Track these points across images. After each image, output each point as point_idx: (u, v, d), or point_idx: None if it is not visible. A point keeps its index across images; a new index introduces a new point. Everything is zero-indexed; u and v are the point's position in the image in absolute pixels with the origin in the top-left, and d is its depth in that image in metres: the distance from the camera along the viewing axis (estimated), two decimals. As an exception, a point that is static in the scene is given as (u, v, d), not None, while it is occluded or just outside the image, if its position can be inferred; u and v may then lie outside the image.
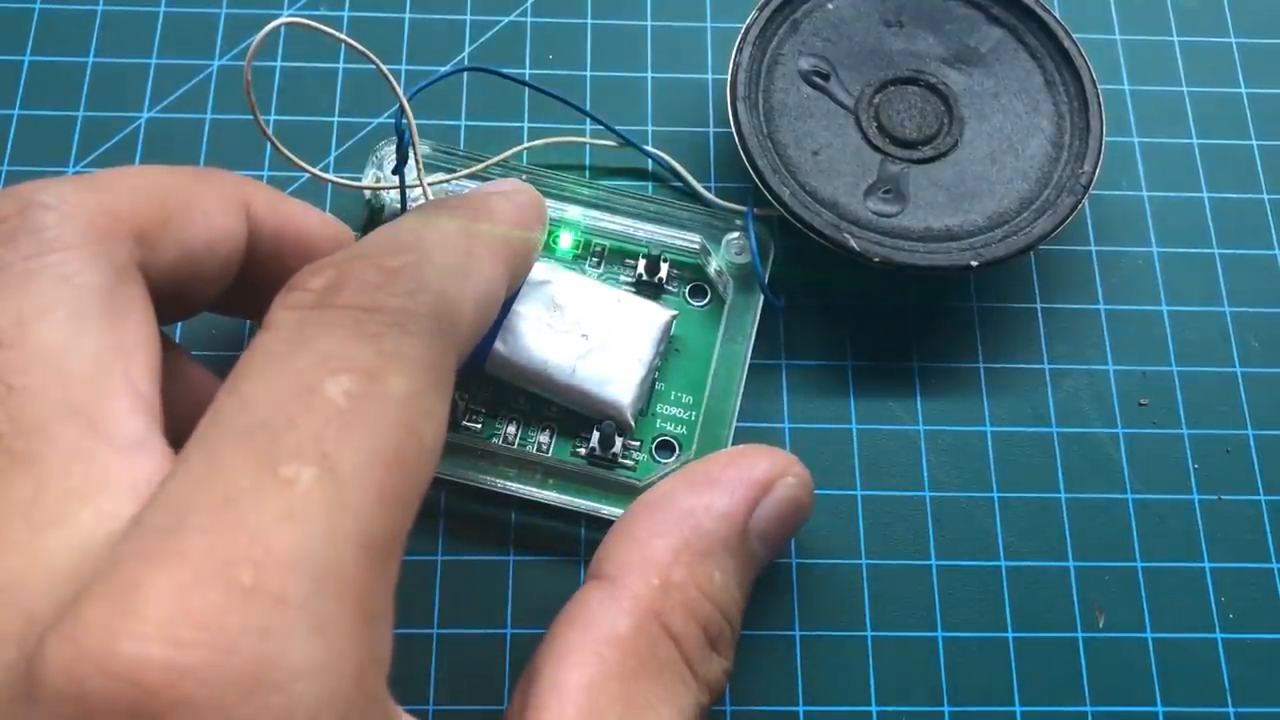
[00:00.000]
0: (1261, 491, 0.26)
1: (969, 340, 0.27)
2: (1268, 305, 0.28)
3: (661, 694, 0.19)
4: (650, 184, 0.29)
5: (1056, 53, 0.28)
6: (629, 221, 0.27)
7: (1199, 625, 0.25)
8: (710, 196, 0.28)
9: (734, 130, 0.26)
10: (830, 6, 0.28)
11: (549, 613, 0.20)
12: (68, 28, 0.30)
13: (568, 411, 0.25)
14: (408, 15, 0.30)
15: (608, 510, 0.24)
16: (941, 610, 0.25)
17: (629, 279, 0.27)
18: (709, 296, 0.27)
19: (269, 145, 0.24)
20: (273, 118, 0.29)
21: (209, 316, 0.23)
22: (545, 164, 0.28)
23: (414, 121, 0.24)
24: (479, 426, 0.25)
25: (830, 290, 0.28)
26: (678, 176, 0.28)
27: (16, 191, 0.17)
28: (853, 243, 0.25)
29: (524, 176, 0.27)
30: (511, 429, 0.25)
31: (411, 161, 0.24)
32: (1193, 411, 0.27)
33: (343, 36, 0.23)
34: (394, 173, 0.25)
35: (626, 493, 0.24)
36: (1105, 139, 0.27)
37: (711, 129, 0.29)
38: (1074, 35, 0.28)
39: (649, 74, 0.30)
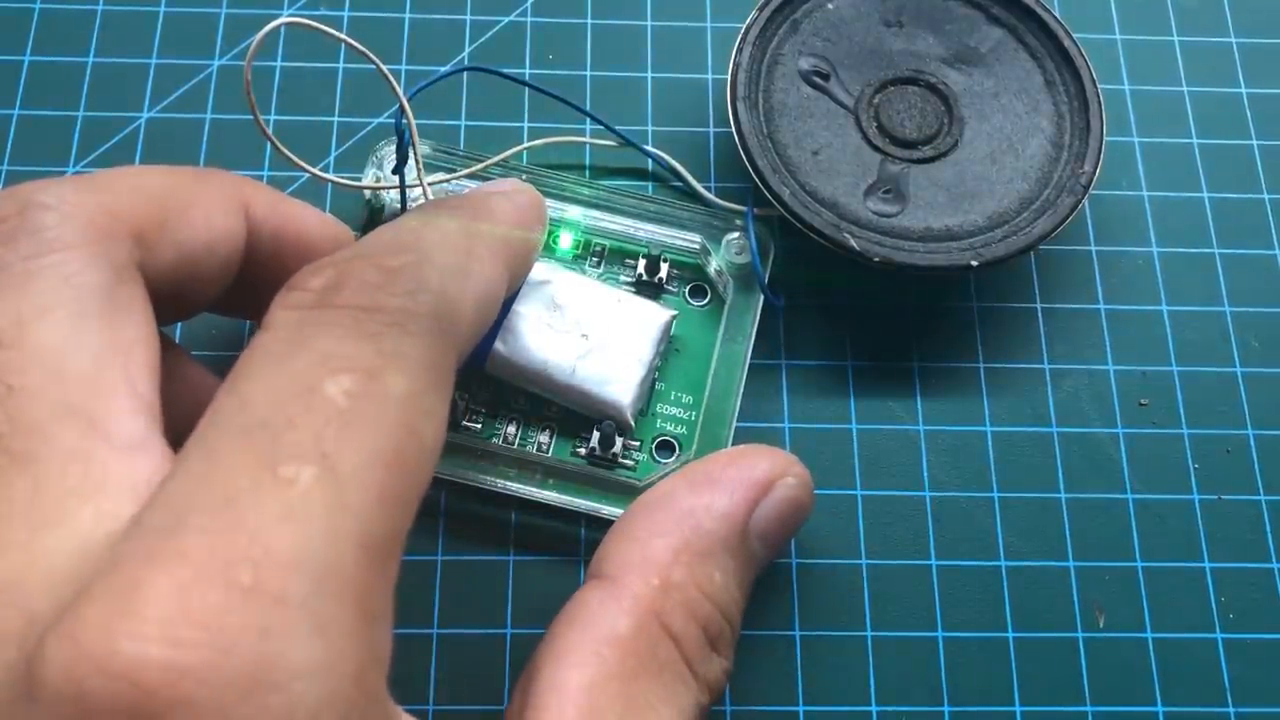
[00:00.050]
0: (1261, 491, 0.26)
1: (969, 340, 0.27)
2: (1268, 305, 0.28)
3: (661, 694, 0.19)
4: (650, 184, 0.29)
5: (1056, 53, 0.28)
6: (629, 221, 0.27)
7: (1199, 625, 0.25)
8: (710, 196, 0.28)
9: (734, 130, 0.26)
10: (830, 6, 0.28)
11: (549, 613, 0.20)
12: (68, 28, 0.30)
13: (568, 411, 0.25)
14: (408, 15, 0.30)
15: (608, 510, 0.24)
16: (941, 610, 0.25)
17: (629, 279, 0.27)
18: (709, 296, 0.27)
19: (269, 145, 0.24)
20: (273, 118, 0.29)
21: (209, 316, 0.23)
22: (545, 164, 0.28)
23: (414, 121, 0.24)
24: (479, 426, 0.25)
25: (830, 290, 0.28)
26: (678, 176, 0.28)
27: (16, 192, 0.17)
28: (853, 243, 0.25)
29: (524, 176, 0.27)
30: (511, 429, 0.25)
31: (411, 161, 0.24)
32: (1193, 411, 0.27)
33: (343, 36, 0.23)
34: (394, 173, 0.25)
35: (626, 493, 0.24)
36: (1105, 139, 0.27)
37: (711, 129, 0.29)
38: (1074, 35, 0.28)
39: (649, 74, 0.30)
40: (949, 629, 0.25)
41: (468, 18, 0.30)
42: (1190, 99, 0.30)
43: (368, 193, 0.27)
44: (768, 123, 0.27)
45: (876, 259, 0.25)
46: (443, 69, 0.29)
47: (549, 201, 0.25)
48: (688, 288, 0.27)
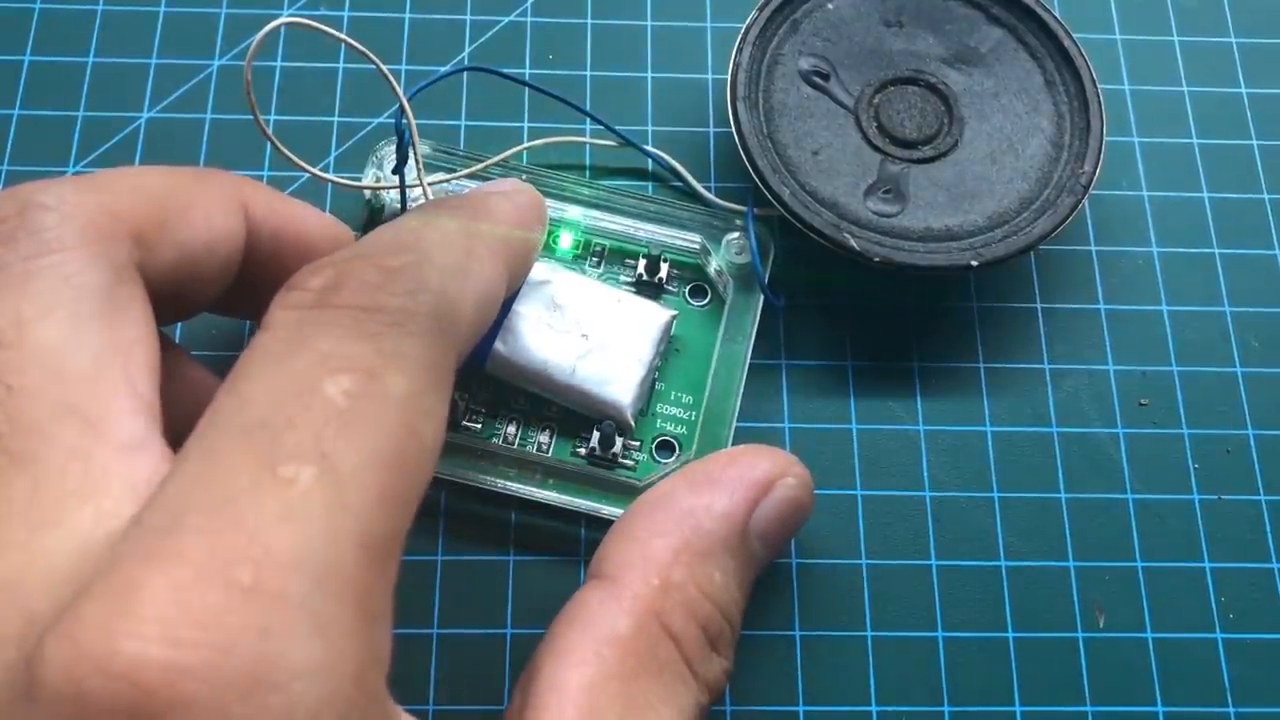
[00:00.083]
0: (1261, 491, 0.26)
1: (969, 340, 0.27)
2: (1268, 305, 0.28)
3: (661, 694, 0.19)
4: (650, 184, 0.29)
5: (1056, 53, 0.28)
6: (629, 221, 0.27)
7: (1199, 625, 0.25)
8: (710, 196, 0.28)
9: (734, 130, 0.26)
10: (830, 6, 0.28)
11: (549, 613, 0.20)
12: (68, 28, 0.30)
13: (568, 411, 0.25)
14: (408, 15, 0.30)
15: (608, 510, 0.24)
16: (941, 610, 0.25)
17: (629, 279, 0.27)
18: (709, 296, 0.27)
19: (269, 145, 0.24)
20: (273, 118, 0.29)
21: (209, 316, 0.23)
22: (545, 164, 0.28)
23: (414, 121, 0.24)
24: (479, 426, 0.25)
25: (830, 290, 0.28)
26: (678, 176, 0.28)
27: (16, 192, 0.17)
28: (853, 243, 0.25)
29: (524, 176, 0.27)
30: (511, 429, 0.25)
31: (411, 161, 0.24)
32: (1193, 411, 0.27)
33: (343, 36, 0.23)
34: (394, 173, 0.25)
35: (626, 493, 0.24)
36: (1105, 139, 0.27)
37: (711, 129, 0.29)
38: (1074, 35, 0.28)
39: (649, 74, 0.30)
40: (949, 629, 0.25)
41: (468, 18, 0.30)
42: (1190, 99, 0.30)
43: (368, 193, 0.27)
44: (768, 123, 0.27)
45: (876, 259, 0.25)
46: (443, 69, 0.29)
47: (549, 201, 0.25)
48: (688, 288, 0.27)
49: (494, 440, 0.25)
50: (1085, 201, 0.26)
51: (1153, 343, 0.28)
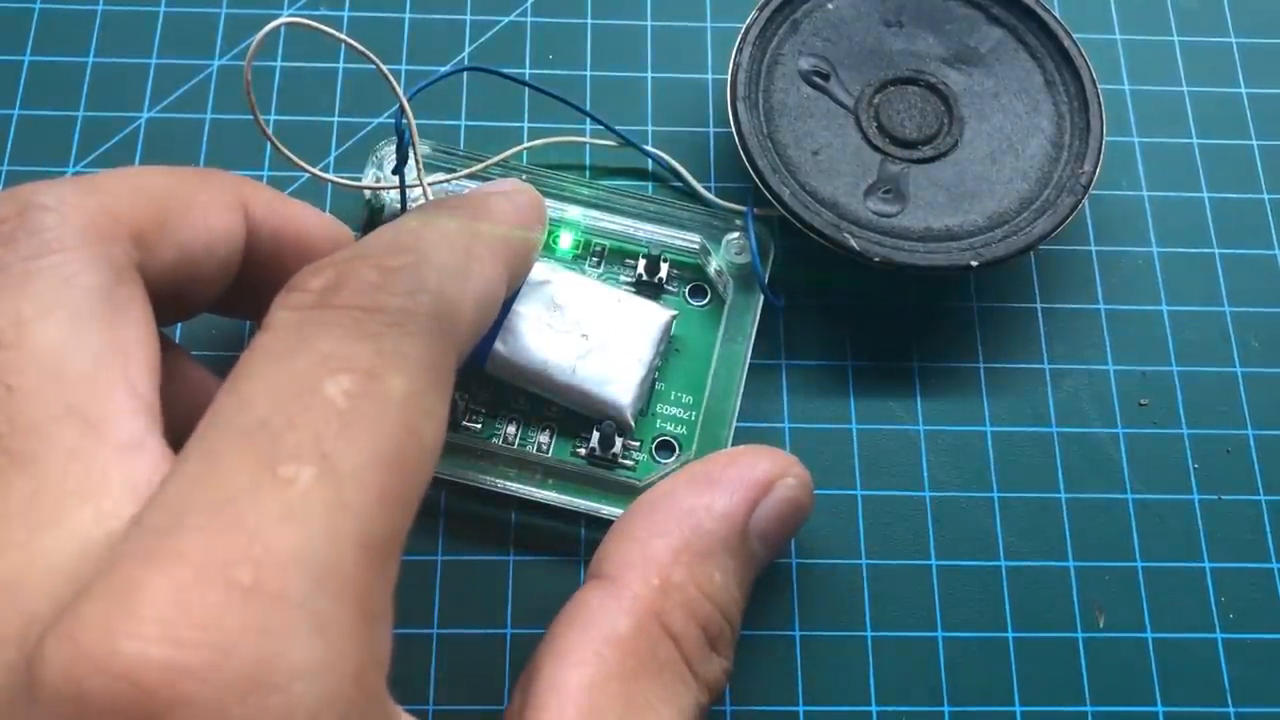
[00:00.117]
0: (1261, 491, 0.26)
1: (969, 340, 0.27)
2: (1268, 305, 0.28)
3: (661, 694, 0.19)
4: (650, 184, 0.29)
5: (1056, 53, 0.28)
6: (629, 221, 0.27)
7: (1199, 625, 0.25)
8: (710, 196, 0.28)
9: (734, 130, 0.26)
10: (830, 6, 0.28)
11: (549, 613, 0.20)
12: (68, 28, 0.30)
13: (568, 411, 0.25)
14: (408, 15, 0.30)
15: (608, 510, 0.24)
16: (941, 610, 0.25)
17: (629, 279, 0.27)
18: (709, 296, 0.27)
19: (269, 145, 0.24)
20: (273, 118, 0.29)
21: (209, 316, 0.23)
22: (545, 164, 0.28)
23: (414, 121, 0.24)
24: (479, 426, 0.25)
25: (830, 290, 0.28)
26: (678, 176, 0.28)
27: (16, 193, 0.17)
28: (853, 243, 0.25)
29: (524, 176, 0.27)
30: (511, 429, 0.25)
31: (411, 161, 0.24)
32: (1193, 411, 0.27)
33: (343, 36, 0.23)
34: (394, 173, 0.25)
35: (626, 493, 0.24)
36: (1105, 139, 0.27)
37: (711, 129, 0.29)
38: (1074, 35, 0.28)
39: (649, 74, 0.30)
40: (949, 629, 0.25)
41: (468, 18, 0.30)
42: (1190, 99, 0.30)
43: (368, 193, 0.27)
44: (768, 123, 0.27)
45: (876, 259, 0.25)
46: (443, 69, 0.29)
47: (549, 201, 0.25)
48: (688, 288, 0.27)
49: (494, 440, 0.25)
50: (1085, 201, 0.26)
51: (1153, 343, 0.28)
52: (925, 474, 0.26)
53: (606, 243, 0.27)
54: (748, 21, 0.28)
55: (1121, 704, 0.24)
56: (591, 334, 0.25)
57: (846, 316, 0.27)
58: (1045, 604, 0.25)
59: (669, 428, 0.25)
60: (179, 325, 0.26)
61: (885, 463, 0.26)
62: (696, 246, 0.27)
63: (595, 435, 0.25)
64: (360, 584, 0.14)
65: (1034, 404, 0.27)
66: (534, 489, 0.24)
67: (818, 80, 0.28)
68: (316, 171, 0.25)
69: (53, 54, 0.29)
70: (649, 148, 0.28)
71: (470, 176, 0.26)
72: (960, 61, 0.28)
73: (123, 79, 0.29)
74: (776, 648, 0.24)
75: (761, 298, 0.26)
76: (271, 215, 0.21)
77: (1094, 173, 0.27)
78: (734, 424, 0.25)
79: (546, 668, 0.19)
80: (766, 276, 0.26)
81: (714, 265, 0.26)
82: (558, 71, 0.30)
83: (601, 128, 0.28)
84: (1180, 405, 0.27)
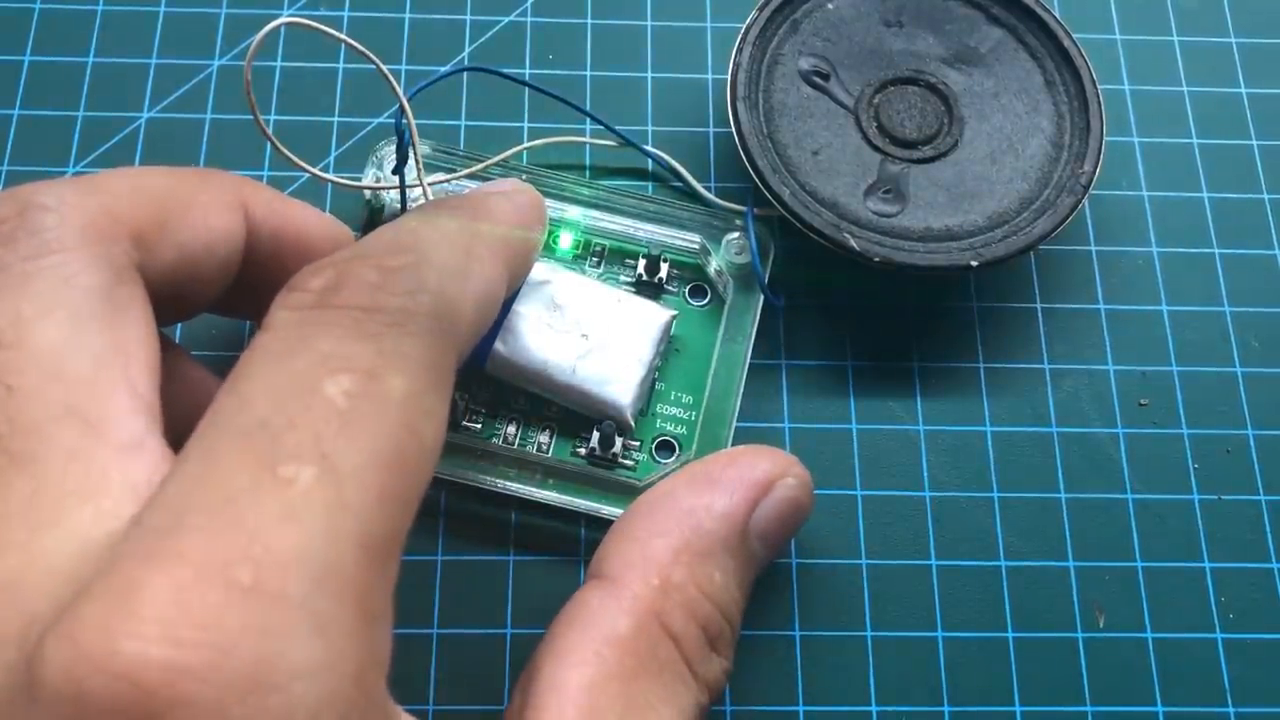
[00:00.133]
0: (1261, 491, 0.26)
1: (969, 340, 0.27)
2: (1268, 305, 0.28)
3: (661, 694, 0.19)
4: (650, 184, 0.29)
5: (1056, 53, 0.28)
6: (629, 221, 0.27)
7: (1199, 625, 0.25)
8: (710, 196, 0.28)
9: (734, 130, 0.26)
10: (830, 6, 0.28)
11: (549, 613, 0.20)
12: (68, 28, 0.30)
13: (568, 411, 0.25)
14: (408, 15, 0.30)
15: (608, 510, 0.24)
16: (941, 610, 0.25)
17: (629, 279, 0.27)
18: (709, 296, 0.27)
19: (269, 145, 0.24)
20: (273, 118, 0.29)
21: (209, 316, 0.23)
22: (545, 164, 0.28)
23: (414, 121, 0.24)
24: (479, 426, 0.25)
25: (830, 290, 0.28)
26: (678, 176, 0.28)
27: (16, 193, 0.17)
28: (853, 243, 0.25)
29: (524, 176, 0.27)
30: (511, 429, 0.25)
31: (411, 161, 0.24)
32: (1193, 411, 0.27)
33: (343, 36, 0.23)
34: (394, 173, 0.25)
35: (626, 493, 0.24)
36: (1105, 139, 0.27)
37: (711, 129, 0.29)
38: (1074, 35, 0.28)
39: (649, 74, 0.30)
40: (949, 629, 0.25)
41: (468, 18, 0.30)
42: (1190, 99, 0.30)
43: (368, 193, 0.27)
44: (768, 123, 0.27)
45: (876, 259, 0.25)
46: (443, 69, 0.29)
47: (549, 201, 0.25)
48: (688, 288, 0.27)
49: (494, 440, 0.25)
50: (1085, 201, 0.26)
51: (1153, 343, 0.28)
52: (925, 474, 0.26)
53: (606, 243, 0.27)
54: (748, 21, 0.28)
55: (1121, 704, 0.24)
56: (591, 334, 0.25)
57: (846, 316, 0.27)
58: (1045, 604, 0.25)
59: (669, 428, 0.25)
60: (179, 325, 0.26)
61: (885, 463, 0.26)
62: (696, 246, 0.27)
63: (595, 435, 0.25)
64: (360, 584, 0.14)
65: (1034, 404, 0.27)
66: (534, 489, 0.24)
67: (818, 80, 0.28)
68: (316, 171, 0.25)
69: (53, 54, 0.29)
70: (649, 148, 0.28)
71: (470, 176, 0.26)
72: (960, 61, 0.28)
73: (123, 79, 0.29)
74: (776, 648, 0.24)
75: (761, 298, 0.26)
76: (271, 215, 0.21)
77: (1094, 173, 0.27)
78: (734, 424, 0.25)
79: (546, 668, 0.19)
80: (766, 276, 0.26)
81: (714, 265, 0.26)
82: (558, 71, 0.30)
83: (601, 128, 0.28)
84: (1180, 405, 0.27)
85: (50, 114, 0.29)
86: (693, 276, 0.27)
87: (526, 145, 0.28)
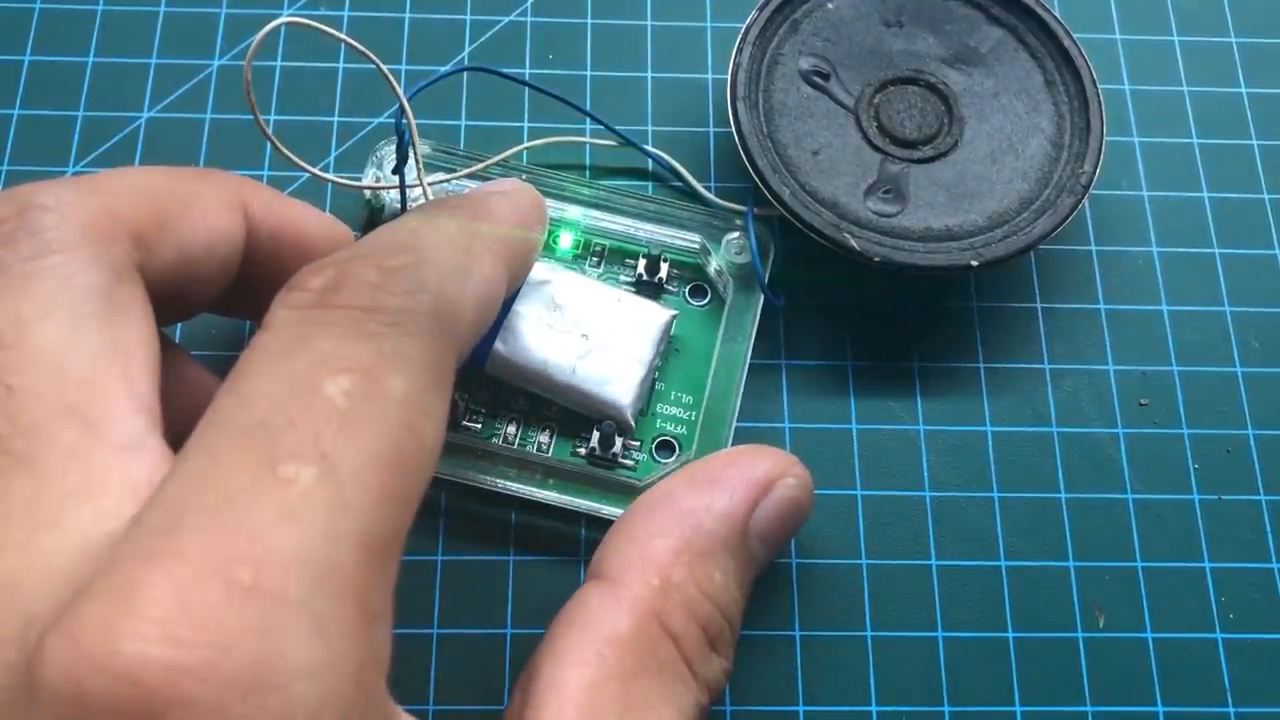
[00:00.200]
0: (1261, 491, 0.26)
1: (969, 340, 0.27)
2: (1268, 305, 0.28)
3: (661, 694, 0.19)
4: (650, 184, 0.29)
5: (1056, 53, 0.28)
6: (629, 221, 0.27)
7: (1199, 625, 0.25)
8: (710, 196, 0.28)
9: (734, 130, 0.26)
10: (830, 6, 0.28)
11: (549, 613, 0.20)
12: (68, 28, 0.30)
13: (568, 411, 0.25)
14: (408, 15, 0.30)
15: (608, 510, 0.24)
16: (941, 610, 0.25)
17: (629, 279, 0.27)
18: (709, 296, 0.27)
19: (269, 145, 0.24)
20: (273, 118, 0.29)
21: (209, 316, 0.23)
22: (545, 164, 0.28)
23: (414, 121, 0.24)
24: (479, 426, 0.25)
25: (830, 290, 0.28)
26: (678, 176, 0.28)
27: (15, 193, 0.17)
28: (853, 243, 0.25)
29: (524, 176, 0.27)
30: (511, 429, 0.25)
31: (411, 161, 0.24)
32: (1193, 411, 0.27)
33: (343, 36, 0.23)
34: (394, 173, 0.25)
35: (626, 493, 0.24)
36: (1105, 139, 0.27)
37: (711, 129, 0.29)
38: (1074, 35, 0.28)
39: (649, 74, 0.30)
40: (949, 629, 0.25)
41: (468, 18, 0.30)
42: (1190, 99, 0.30)
43: (368, 193, 0.27)
44: (768, 123, 0.27)
45: (876, 259, 0.25)
46: (443, 69, 0.29)
47: (549, 201, 0.25)
48: (688, 288, 0.27)
49: (494, 440, 0.25)
50: (1085, 201, 0.26)
51: (1153, 343, 0.28)
52: (925, 474, 0.26)
53: (606, 243, 0.27)
54: (748, 21, 0.28)
55: (1121, 704, 0.24)
56: (591, 334, 0.25)
57: (846, 316, 0.27)
58: (1045, 604, 0.25)
59: (669, 428, 0.25)
60: (179, 325, 0.26)
61: (885, 463, 0.26)
62: (696, 246, 0.27)
63: (595, 435, 0.25)
64: (360, 584, 0.14)
65: (1034, 404, 0.27)
66: (534, 489, 0.24)
67: (818, 80, 0.28)
68: (316, 171, 0.25)
69: (53, 54, 0.29)
70: (649, 148, 0.28)
71: (470, 176, 0.26)
72: (960, 61, 0.28)
73: (123, 79, 0.29)
74: (776, 648, 0.24)
75: (761, 298, 0.26)
76: (271, 215, 0.21)
77: (1094, 173, 0.27)
78: (734, 424, 0.25)
79: (546, 667, 0.19)
80: (766, 276, 0.26)
81: (714, 265, 0.26)
82: (558, 71, 0.30)
83: (601, 128, 0.28)
84: (1180, 405, 0.27)
85: (50, 114, 0.29)
86: (693, 276, 0.27)
87: (526, 145, 0.28)
